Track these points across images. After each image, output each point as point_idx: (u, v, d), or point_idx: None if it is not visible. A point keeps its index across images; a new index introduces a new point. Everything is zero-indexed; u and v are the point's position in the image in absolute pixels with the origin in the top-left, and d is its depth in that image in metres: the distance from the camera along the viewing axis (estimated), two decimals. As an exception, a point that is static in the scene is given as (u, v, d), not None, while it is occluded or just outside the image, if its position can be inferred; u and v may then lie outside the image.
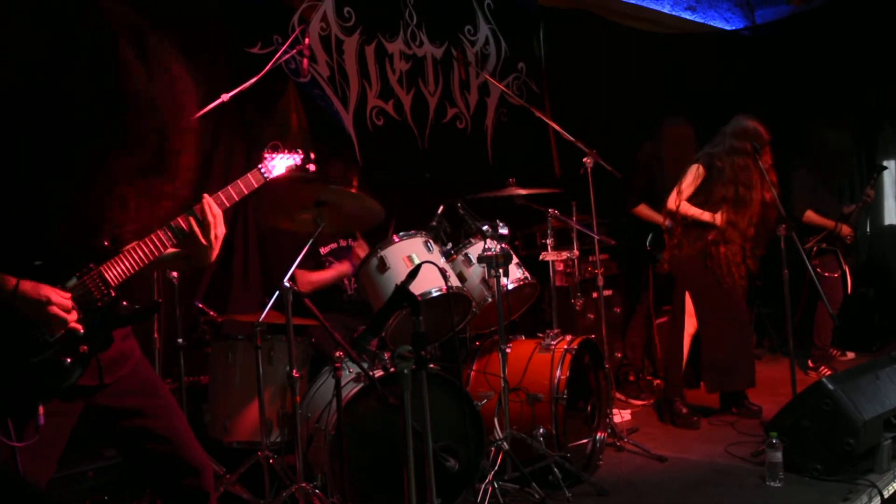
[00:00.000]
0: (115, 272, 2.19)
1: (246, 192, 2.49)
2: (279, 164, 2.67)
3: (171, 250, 2.30)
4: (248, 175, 2.53)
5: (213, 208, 2.32)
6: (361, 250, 4.36)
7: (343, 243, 4.57)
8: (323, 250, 4.49)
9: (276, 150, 2.71)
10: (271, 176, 2.62)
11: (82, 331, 2.12)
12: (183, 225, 2.28)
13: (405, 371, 2.28)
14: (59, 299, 2.06)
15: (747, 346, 5.24)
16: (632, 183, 5.61)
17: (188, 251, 2.34)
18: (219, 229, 2.33)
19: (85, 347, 2.14)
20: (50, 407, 2.09)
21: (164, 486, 2.44)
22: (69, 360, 2.10)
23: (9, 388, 2.03)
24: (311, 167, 2.78)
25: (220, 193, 2.39)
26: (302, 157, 2.75)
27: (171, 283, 3.76)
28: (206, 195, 2.33)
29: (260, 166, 2.60)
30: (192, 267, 2.43)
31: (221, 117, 4.53)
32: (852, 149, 7.40)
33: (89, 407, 2.24)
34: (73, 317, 2.09)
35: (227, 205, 2.40)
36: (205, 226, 2.30)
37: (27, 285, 2.02)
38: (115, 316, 2.22)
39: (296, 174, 2.88)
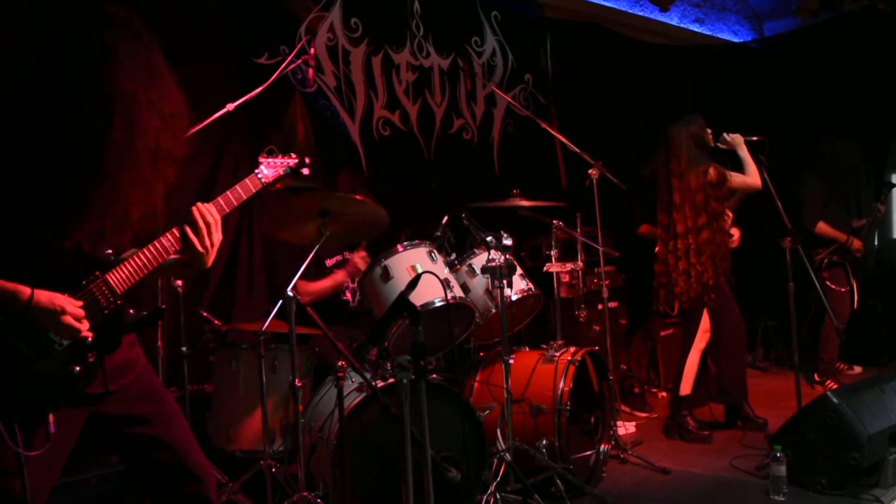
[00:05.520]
0: (120, 280, 2.19)
1: (244, 196, 2.50)
2: (275, 167, 2.69)
3: (172, 256, 2.32)
4: (246, 180, 2.54)
5: (207, 215, 2.32)
6: (361, 260, 4.35)
7: (348, 255, 4.57)
8: (329, 262, 4.50)
9: (271, 154, 2.73)
10: (268, 180, 2.63)
11: (92, 339, 2.13)
12: (181, 232, 2.29)
13: (404, 381, 2.28)
14: (73, 309, 2.07)
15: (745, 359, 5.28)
16: (633, 206, 5.59)
17: (188, 257, 2.35)
18: (215, 236, 2.34)
19: (93, 356, 2.15)
20: (56, 415, 2.09)
21: (167, 494, 2.43)
22: (78, 368, 2.11)
23: (18, 397, 2.03)
24: (305, 171, 2.80)
25: (218, 199, 2.40)
26: (297, 160, 2.77)
27: (176, 292, 3.77)
28: (199, 203, 2.33)
29: (256, 171, 2.61)
30: (191, 272, 2.45)
31: (227, 127, 4.55)
32: (863, 162, 7.38)
33: (94, 415, 2.24)
34: (85, 326, 2.10)
35: (227, 210, 2.41)
36: (200, 233, 2.30)
37: (42, 295, 2.02)
38: (122, 323, 2.23)
39: (299, 183, 2.90)
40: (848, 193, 6.68)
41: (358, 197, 4.28)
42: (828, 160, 6.22)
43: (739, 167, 4.92)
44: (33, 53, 1.97)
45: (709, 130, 4.93)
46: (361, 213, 3.73)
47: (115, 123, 2.01)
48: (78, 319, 2.08)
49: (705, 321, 4.96)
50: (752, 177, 4.87)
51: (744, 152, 4.88)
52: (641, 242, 5.81)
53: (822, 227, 6.08)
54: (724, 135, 4.90)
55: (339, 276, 4.36)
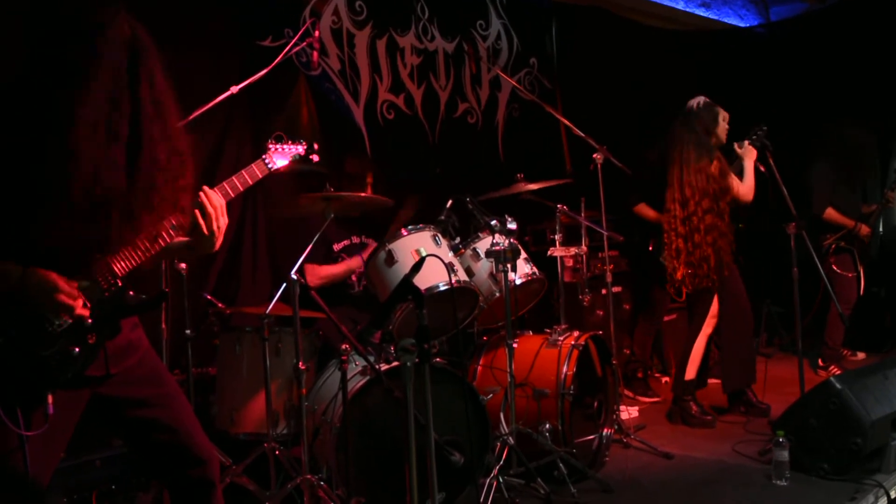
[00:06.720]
0: (122, 262, 2.19)
1: (250, 182, 2.50)
2: (283, 154, 2.68)
3: (177, 240, 2.31)
4: (253, 166, 2.54)
5: (213, 200, 2.32)
6: None
7: (356, 240, 4.56)
8: (336, 247, 4.49)
9: (279, 140, 2.71)
10: (275, 167, 2.63)
11: (89, 317, 2.12)
12: (186, 218, 2.29)
13: (408, 364, 2.28)
14: (66, 287, 2.06)
15: (753, 343, 5.27)
16: (636, 181, 5.56)
17: (193, 241, 2.35)
18: (221, 220, 2.34)
19: (93, 337, 2.14)
20: (56, 397, 2.10)
21: (170, 476, 2.44)
22: (77, 349, 2.11)
23: (17, 377, 2.04)
24: (315, 157, 2.79)
25: (224, 184, 2.40)
26: (305, 147, 2.76)
27: (180, 275, 3.76)
28: (205, 187, 2.33)
29: (264, 157, 2.61)
30: (196, 256, 2.44)
31: (231, 110, 4.54)
32: (874, 148, 7.34)
33: (95, 396, 2.24)
34: (79, 303, 2.09)
35: (232, 195, 2.41)
36: (206, 217, 2.30)
37: (34, 272, 2.03)
38: (123, 305, 2.22)
39: (304, 167, 2.90)
40: (859, 178, 6.62)
41: (367, 189, 4.31)
42: (840, 144, 6.19)
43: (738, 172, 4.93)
44: (27, 42, 1.98)
45: (726, 126, 4.93)
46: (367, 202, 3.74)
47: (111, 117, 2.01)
48: (72, 297, 2.08)
49: (714, 306, 4.95)
50: (746, 188, 4.88)
51: (749, 165, 4.89)
52: (646, 228, 5.79)
53: (831, 212, 6.07)
54: (746, 142, 4.89)
55: (353, 262, 4.35)
